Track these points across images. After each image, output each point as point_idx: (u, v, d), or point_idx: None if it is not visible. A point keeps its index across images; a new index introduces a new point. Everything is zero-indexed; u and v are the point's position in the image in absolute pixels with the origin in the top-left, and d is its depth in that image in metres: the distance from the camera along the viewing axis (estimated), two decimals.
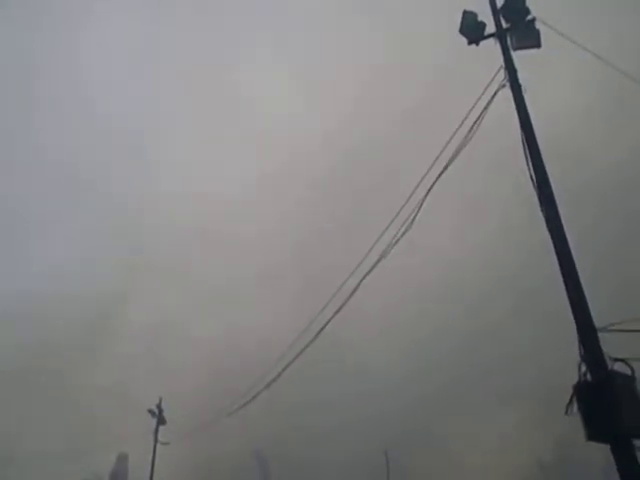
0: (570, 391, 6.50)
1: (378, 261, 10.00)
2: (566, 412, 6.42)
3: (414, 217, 9.07)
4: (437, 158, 8.88)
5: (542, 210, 7.46)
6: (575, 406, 6.40)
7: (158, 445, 33.34)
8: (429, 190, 9.04)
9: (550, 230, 7.29)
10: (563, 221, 7.32)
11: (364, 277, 10.56)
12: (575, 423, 6.50)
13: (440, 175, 8.94)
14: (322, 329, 12.88)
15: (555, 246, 7.16)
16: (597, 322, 6.73)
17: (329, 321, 12.40)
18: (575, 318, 6.76)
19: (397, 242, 9.45)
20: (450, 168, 8.92)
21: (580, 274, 7.06)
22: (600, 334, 6.59)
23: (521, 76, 9.03)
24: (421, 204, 9.09)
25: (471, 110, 8.92)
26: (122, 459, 74.20)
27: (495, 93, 8.93)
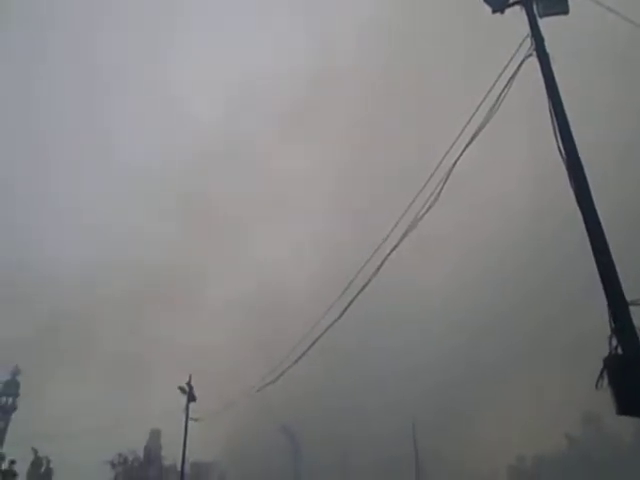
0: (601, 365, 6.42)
1: (404, 235, 9.95)
2: (596, 386, 6.35)
3: (441, 189, 8.97)
4: (462, 132, 8.72)
5: (571, 182, 7.29)
6: (606, 380, 6.32)
7: (190, 422, 34.14)
8: (456, 161, 8.90)
9: (579, 202, 7.13)
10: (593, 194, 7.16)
11: (390, 252, 10.53)
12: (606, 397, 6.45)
13: (466, 147, 8.78)
14: (346, 308, 12.95)
15: (585, 219, 7.01)
16: (628, 296, 6.61)
17: (352, 300, 12.44)
18: (606, 291, 6.65)
19: (422, 217, 9.38)
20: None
21: (611, 247, 6.92)
22: (632, 307, 6.47)
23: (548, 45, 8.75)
24: (447, 176, 8.98)
25: (497, 81, 8.71)
26: (155, 435, 76.54)
27: (521, 63, 8.67)
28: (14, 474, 56.06)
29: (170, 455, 64.87)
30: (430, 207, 9.35)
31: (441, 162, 8.88)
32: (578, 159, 7.41)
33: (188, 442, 33.93)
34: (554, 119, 7.52)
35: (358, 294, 11.83)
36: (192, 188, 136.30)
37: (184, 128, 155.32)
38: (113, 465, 68.22)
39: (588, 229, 6.95)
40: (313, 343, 14.57)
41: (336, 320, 13.21)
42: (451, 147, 8.86)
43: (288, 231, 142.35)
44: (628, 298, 6.60)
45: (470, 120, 8.53)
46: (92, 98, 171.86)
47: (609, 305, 6.50)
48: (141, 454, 71.53)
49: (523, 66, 8.69)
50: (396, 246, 10.09)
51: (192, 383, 35.13)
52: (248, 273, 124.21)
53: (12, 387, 74.32)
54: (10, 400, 73.56)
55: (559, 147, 7.39)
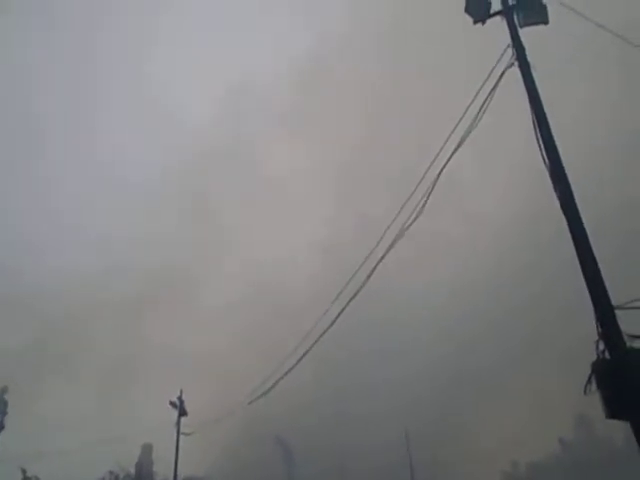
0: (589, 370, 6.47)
1: (391, 246, 10.00)
2: (585, 391, 6.40)
3: (427, 199, 9.04)
4: (446, 141, 8.82)
5: (555, 190, 7.39)
6: (594, 384, 6.37)
7: (181, 435, 33.83)
8: (440, 172, 8.98)
9: (564, 209, 7.23)
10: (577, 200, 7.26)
11: (378, 262, 10.58)
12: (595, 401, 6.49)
13: (451, 157, 8.87)
14: (334, 320, 12.97)
15: (569, 226, 7.10)
16: (614, 300, 6.69)
17: (341, 312, 12.46)
18: (591, 296, 6.72)
19: (409, 227, 9.44)
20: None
21: (596, 253, 7.01)
22: (617, 312, 6.54)
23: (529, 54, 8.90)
24: (433, 187, 9.06)
25: (479, 91, 8.83)
26: (147, 450, 75.51)
27: (503, 72, 8.81)
28: None
29: (162, 470, 64.00)
30: (417, 217, 9.42)
31: (426, 172, 8.97)
32: (561, 167, 7.52)
33: (180, 456, 33.64)
34: (536, 128, 7.64)
35: (347, 305, 11.85)
36: (191, 188, 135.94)
37: (183, 129, 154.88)
38: None
39: (573, 235, 7.04)
40: (303, 356, 14.55)
41: (324, 333, 13.22)
42: (435, 157, 8.96)
43: (287, 233, 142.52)
44: (614, 302, 6.68)
45: (454, 130, 8.64)
46: (91, 101, 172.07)
47: (595, 310, 6.57)
48: (132, 470, 70.51)
49: (514, 70, 8.81)
50: (383, 257, 10.14)
51: (184, 396, 34.90)
52: (246, 274, 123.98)
53: (0, 406, 73.33)
54: None
55: (542, 156, 7.50)
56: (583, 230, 7.07)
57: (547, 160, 7.47)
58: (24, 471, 58.95)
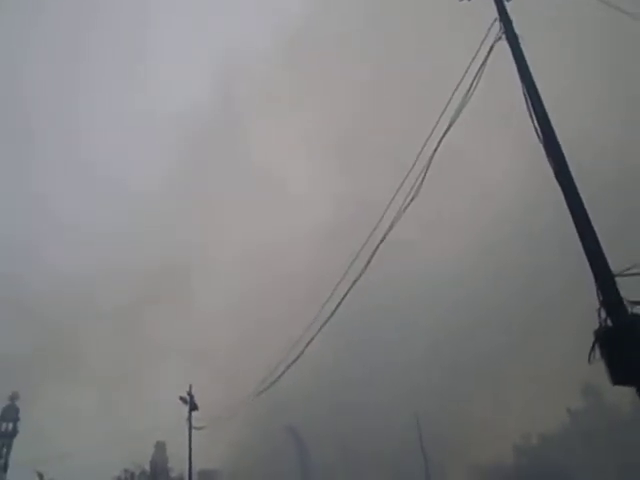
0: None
1: (389, 229, 10.01)
2: (589, 359, 6.44)
3: (422, 180, 9.02)
4: (438, 122, 8.78)
5: (550, 161, 7.38)
6: (598, 352, 6.40)
7: (194, 431, 34.07)
8: (435, 150, 8.94)
9: (559, 180, 7.22)
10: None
11: (377, 246, 10.60)
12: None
13: (444, 135, 8.84)
14: (336, 308, 13.03)
15: (565, 196, 7.11)
16: (614, 268, 6.70)
17: (342, 299, 12.49)
18: (591, 264, 6.74)
19: (406, 209, 9.44)
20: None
21: (594, 221, 7.01)
22: (618, 279, 6.56)
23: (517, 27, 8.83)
24: (427, 167, 9.03)
25: (469, 68, 8.78)
26: (160, 447, 76.21)
27: (492, 47, 8.75)
28: None
29: (177, 466, 64.61)
30: (414, 197, 9.40)
31: (421, 152, 8.93)
32: (554, 137, 7.50)
33: (194, 451, 33.92)
34: (528, 100, 7.61)
35: (348, 291, 11.88)
36: (188, 177, 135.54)
37: (174, 115, 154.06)
38: None
39: (569, 205, 7.05)
40: (306, 346, 14.64)
41: (326, 321, 13.28)
42: (429, 137, 8.92)
43: (288, 216, 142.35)
44: (614, 270, 6.69)
45: (446, 108, 8.59)
46: (82, 97, 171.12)
47: (595, 278, 6.59)
48: (147, 468, 71.26)
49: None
50: (382, 239, 10.15)
51: (193, 391, 35.08)
52: (248, 259, 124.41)
53: (11, 412, 74.01)
54: (10, 425, 73.26)
55: (535, 128, 7.48)
56: (579, 199, 7.07)
57: (540, 131, 7.45)
58: (40, 475, 59.48)
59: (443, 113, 8.68)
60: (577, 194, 7.08)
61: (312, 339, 14.99)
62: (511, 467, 73.61)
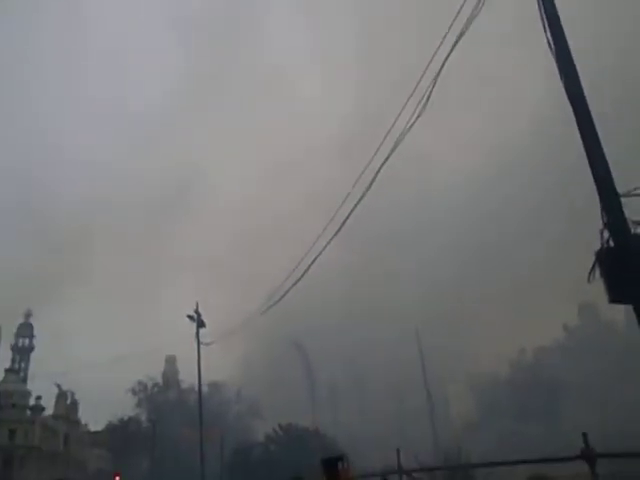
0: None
1: (394, 148, 9.80)
2: (588, 279, 6.47)
3: (427, 99, 8.69)
4: (445, 35, 8.30)
5: (560, 75, 7.04)
6: (597, 272, 6.42)
7: (203, 346, 35.28)
8: (443, 63, 8.52)
9: (569, 95, 6.92)
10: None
11: (380, 167, 10.42)
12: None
13: (452, 49, 8.39)
14: (339, 230, 13.02)
15: (575, 111, 6.84)
16: (619, 188, 6.59)
17: (349, 216, 12.47)
18: (597, 184, 6.63)
19: (410, 128, 9.17)
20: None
21: (603, 143, 6.81)
22: (623, 200, 6.46)
23: None
24: (433, 85, 8.67)
25: None
26: (171, 361, 79.71)
27: None
28: (42, 408, 59.21)
29: (187, 378, 67.93)
30: (419, 116, 9.11)
31: (427, 67, 8.53)
32: (568, 50, 7.10)
33: (203, 364, 35.40)
34: (542, 9, 7.13)
35: (351, 212, 11.85)
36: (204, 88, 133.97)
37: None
38: (134, 392, 71.82)
39: (578, 122, 6.80)
40: (312, 262, 14.78)
41: (329, 242, 13.34)
42: (434, 55, 8.48)
43: (303, 133, 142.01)
44: (620, 190, 6.58)
45: (455, 19, 8.08)
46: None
47: (600, 198, 6.50)
48: (160, 380, 75.05)
49: None
50: (386, 159, 9.96)
51: (201, 309, 35.94)
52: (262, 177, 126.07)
53: (27, 329, 76.97)
54: (27, 341, 76.46)
55: (547, 39, 7.06)
56: (589, 115, 6.82)
57: (552, 41, 7.03)
58: (59, 386, 62.71)
59: (452, 24, 8.19)
60: (588, 111, 6.82)
61: (314, 260, 15.12)
62: (506, 380, 77.06)
